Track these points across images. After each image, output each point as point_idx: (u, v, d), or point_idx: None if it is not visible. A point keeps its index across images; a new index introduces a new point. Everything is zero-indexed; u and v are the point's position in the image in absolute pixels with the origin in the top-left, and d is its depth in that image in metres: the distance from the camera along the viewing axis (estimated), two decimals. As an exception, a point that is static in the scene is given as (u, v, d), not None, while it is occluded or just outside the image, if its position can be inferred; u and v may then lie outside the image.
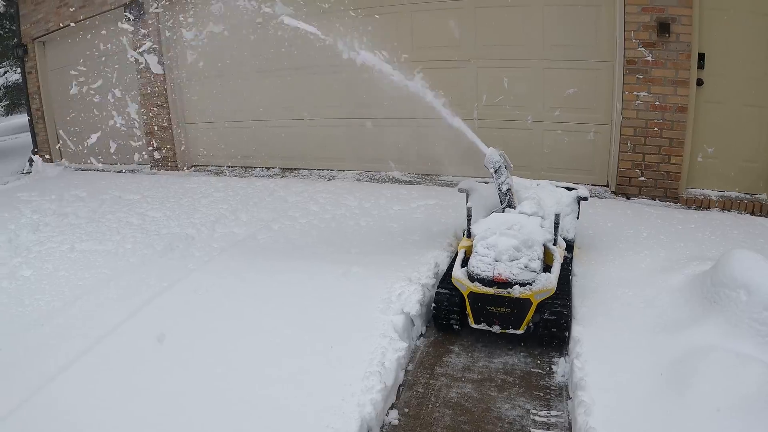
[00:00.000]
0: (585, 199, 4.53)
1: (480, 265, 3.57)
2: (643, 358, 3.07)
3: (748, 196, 5.97)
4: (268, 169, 8.94)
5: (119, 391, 3.07)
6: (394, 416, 2.99)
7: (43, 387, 3.14)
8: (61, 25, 10.88)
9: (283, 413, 2.80)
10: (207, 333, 3.65)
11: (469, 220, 4.07)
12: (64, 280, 4.75)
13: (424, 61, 7.00)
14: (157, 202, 7.32)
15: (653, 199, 6.20)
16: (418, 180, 7.48)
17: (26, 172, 11.79)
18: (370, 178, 7.75)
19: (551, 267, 3.67)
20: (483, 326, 3.59)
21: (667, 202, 6.11)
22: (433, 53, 7.15)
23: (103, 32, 10.39)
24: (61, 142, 12.33)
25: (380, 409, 2.88)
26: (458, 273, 3.68)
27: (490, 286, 3.50)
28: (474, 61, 7.03)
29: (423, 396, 3.17)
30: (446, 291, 3.75)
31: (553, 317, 3.49)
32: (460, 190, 4.76)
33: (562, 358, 3.45)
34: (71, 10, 10.52)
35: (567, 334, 3.48)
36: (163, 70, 9.33)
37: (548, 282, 3.51)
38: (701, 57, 5.81)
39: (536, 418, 2.92)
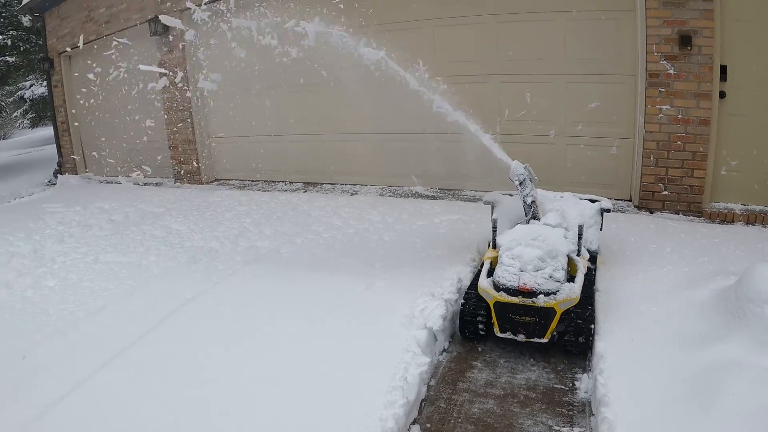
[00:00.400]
0: (608, 210, 4.58)
1: (506, 275, 3.62)
2: (667, 374, 3.04)
3: None
4: (291, 183, 9.02)
5: (141, 398, 3.14)
6: (416, 431, 3.00)
7: (69, 394, 3.21)
8: (87, 39, 11.06)
9: (306, 427, 2.82)
10: (232, 345, 3.69)
11: (494, 231, 4.11)
12: (89, 290, 4.85)
13: (446, 76, 7.04)
14: (180, 215, 7.44)
15: (676, 213, 6.13)
16: (441, 195, 7.48)
17: (51, 184, 12.00)
18: (393, 193, 7.78)
19: (575, 277, 3.71)
20: (508, 335, 3.62)
21: (691, 217, 6.03)
22: (456, 68, 7.16)
23: (128, 47, 10.60)
24: (86, 154, 12.53)
25: (402, 423, 2.88)
26: (484, 283, 3.72)
27: (516, 296, 3.54)
28: (496, 76, 7.05)
29: (445, 411, 3.17)
30: (472, 301, 3.82)
31: (576, 326, 3.54)
32: (485, 203, 4.82)
33: (585, 374, 3.44)
34: (97, 25, 10.72)
35: (590, 342, 3.52)
36: (187, 84, 9.46)
37: (572, 291, 3.55)
38: (723, 69, 5.74)
39: None
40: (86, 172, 12.48)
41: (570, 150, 6.80)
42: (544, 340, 3.57)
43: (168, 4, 9.47)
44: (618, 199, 6.64)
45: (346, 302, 4.21)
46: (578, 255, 3.89)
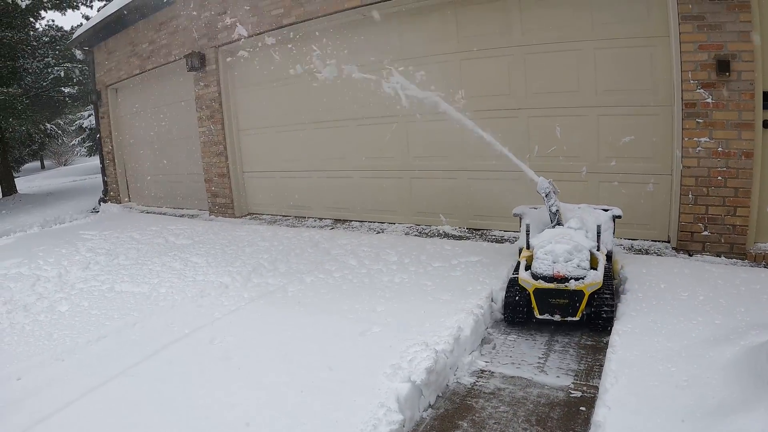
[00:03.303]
0: (619, 217, 5.32)
1: (542, 266, 4.38)
2: None
3: None
4: (321, 219, 8.92)
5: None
6: None
7: (49, 417, 3.33)
8: (131, 73, 11.41)
9: None
10: (206, 382, 3.64)
11: (527, 234, 4.95)
12: (95, 318, 5.02)
13: (473, 111, 6.84)
14: (203, 248, 7.49)
15: (718, 255, 5.61)
16: (467, 235, 7.18)
17: (95, 211, 12.38)
18: (419, 232, 7.53)
19: (596, 268, 4.45)
20: (546, 316, 4.36)
21: (734, 259, 5.51)
22: (483, 102, 6.92)
23: (168, 82, 10.91)
24: (129, 184, 12.88)
25: None
26: (524, 275, 4.46)
27: (551, 282, 4.29)
28: (525, 110, 6.75)
29: None
30: (515, 289, 4.54)
31: (601, 304, 4.29)
32: (515, 215, 5.59)
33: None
34: (140, 59, 11.06)
35: (612, 316, 4.23)
36: (222, 118, 9.57)
37: (596, 277, 4.31)
38: (766, 96, 5.28)
39: None
40: (128, 201, 12.81)
41: (603, 187, 6.40)
42: (576, 318, 4.29)
43: (205, 40, 9.61)
44: (655, 241, 6.23)
45: (336, 348, 3.99)
46: (598, 250, 4.67)
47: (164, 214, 11.19)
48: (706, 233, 5.67)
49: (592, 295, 4.30)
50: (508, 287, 4.64)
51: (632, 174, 6.21)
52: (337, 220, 8.76)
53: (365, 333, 4.20)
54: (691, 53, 5.44)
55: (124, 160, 12.86)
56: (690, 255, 5.74)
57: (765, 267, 5.29)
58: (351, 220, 8.62)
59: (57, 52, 15.03)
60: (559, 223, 5.07)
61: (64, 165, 32.79)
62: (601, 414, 3.00)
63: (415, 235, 7.38)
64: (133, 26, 11.23)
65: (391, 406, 3.15)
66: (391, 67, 7.47)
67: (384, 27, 7.63)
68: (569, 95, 6.42)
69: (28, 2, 13.00)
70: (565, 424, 3.21)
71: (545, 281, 4.32)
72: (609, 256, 5.07)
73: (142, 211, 11.80)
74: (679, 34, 5.48)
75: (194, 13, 9.79)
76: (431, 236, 7.25)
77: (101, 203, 12.93)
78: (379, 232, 7.72)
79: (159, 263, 6.81)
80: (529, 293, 4.41)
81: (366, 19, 7.78)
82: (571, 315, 4.30)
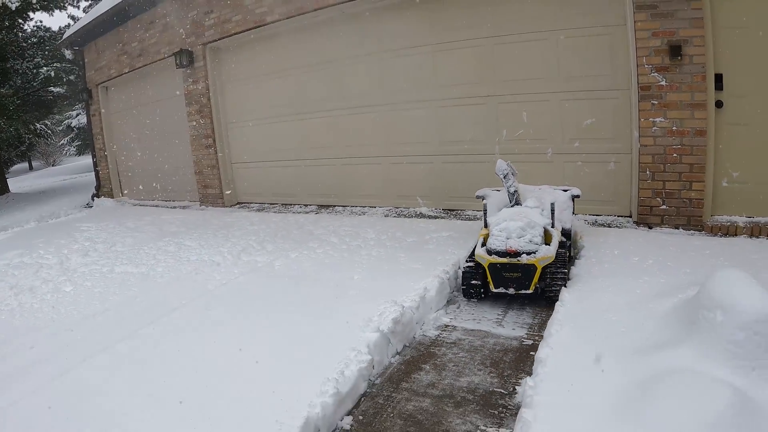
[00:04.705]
0: (578, 196, 5.54)
1: (495, 242, 4.58)
2: (608, 380, 2.98)
3: None
4: (306, 206, 9.34)
5: (124, 384, 3.52)
6: (348, 421, 3.12)
7: (65, 374, 3.70)
8: (121, 71, 11.74)
9: (243, 406, 3.08)
10: (201, 339, 4.09)
11: (485, 213, 5.15)
12: (99, 295, 5.40)
13: (446, 99, 7.29)
14: (196, 233, 7.90)
15: (676, 228, 5.95)
16: (443, 215, 7.60)
17: (89, 206, 12.71)
18: (398, 214, 7.95)
19: (550, 244, 4.63)
20: (501, 290, 4.54)
21: (692, 231, 5.84)
22: (455, 91, 7.38)
23: (158, 78, 11.26)
24: (121, 179, 13.20)
25: (330, 411, 3.03)
26: (480, 251, 4.66)
27: (504, 257, 4.48)
28: (494, 97, 7.16)
29: (381, 407, 3.26)
30: (470, 265, 4.80)
31: (554, 277, 4.50)
32: (477, 197, 5.75)
33: (528, 378, 3.44)
34: (130, 58, 11.39)
35: (564, 288, 4.43)
36: (211, 112, 9.92)
37: (548, 251, 4.48)
38: (719, 78, 5.64)
39: (484, 434, 2.95)
40: (122, 195, 13.14)
41: (568, 167, 6.79)
42: (530, 291, 4.46)
43: (192, 38, 9.97)
44: (619, 216, 6.59)
45: (317, 308, 4.45)
46: (552, 227, 4.85)
47: (157, 206, 11.57)
48: (664, 207, 6.04)
49: (545, 269, 4.47)
50: (465, 263, 4.87)
51: (595, 154, 6.60)
52: (321, 206, 9.18)
53: (342, 296, 4.65)
54: (645, 40, 5.83)
55: (116, 155, 13.20)
56: (650, 228, 6.10)
57: (721, 237, 5.63)
58: (335, 206, 9.05)
59: (45, 53, 15.32)
60: (517, 203, 5.25)
61: (53, 165, 32.81)
62: (543, 353, 3.41)
63: (394, 217, 7.81)
64: (123, 26, 11.58)
65: (362, 350, 3.59)
66: (370, 60, 7.94)
67: (363, 22, 8.09)
68: (535, 82, 6.82)
69: (17, 4, 13.28)
70: (515, 365, 3.65)
71: (499, 256, 4.50)
72: (568, 233, 5.32)
73: (136, 205, 12.16)
74: (635, 22, 5.87)
75: (182, 12, 10.18)
76: (409, 217, 7.68)
77: (95, 198, 13.27)
78: (360, 215, 8.16)
79: (155, 248, 7.20)
80: (484, 268, 4.61)
81: (346, 15, 8.21)
82: (525, 288, 4.46)
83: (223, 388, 3.29)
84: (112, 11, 11.14)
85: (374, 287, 4.76)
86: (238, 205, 10.35)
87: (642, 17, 5.82)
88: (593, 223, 6.44)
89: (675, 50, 5.66)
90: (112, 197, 13.10)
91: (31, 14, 14.32)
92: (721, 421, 2.40)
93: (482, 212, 5.39)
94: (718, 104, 5.72)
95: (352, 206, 8.81)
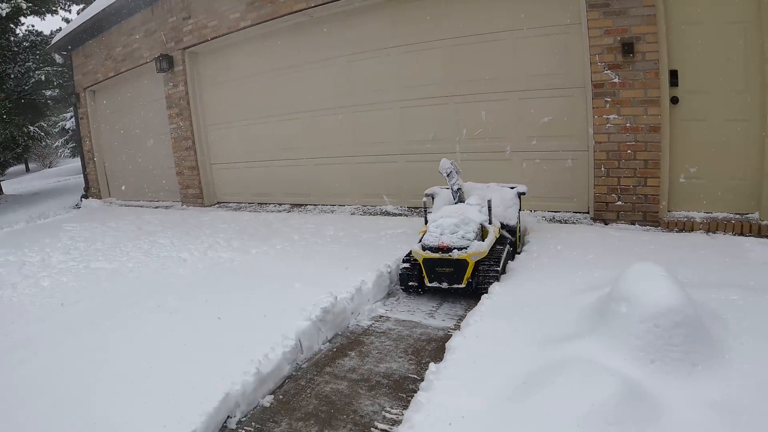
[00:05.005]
0: (524, 193, 5.64)
1: (429, 238, 4.70)
2: (511, 367, 3.06)
3: (737, 216, 5.65)
4: (280, 205, 9.55)
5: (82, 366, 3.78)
6: (269, 399, 3.35)
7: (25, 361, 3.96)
8: (107, 75, 11.95)
9: (174, 384, 3.32)
10: (151, 326, 4.39)
11: (425, 211, 5.32)
12: (72, 289, 5.68)
13: (409, 99, 7.44)
14: (170, 232, 8.15)
15: (632, 223, 5.99)
16: (406, 213, 7.76)
17: (77, 207, 12.94)
18: (365, 212, 8.12)
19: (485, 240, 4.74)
20: (435, 284, 4.64)
21: (647, 227, 5.87)
22: (418, 91, 7.55)
23: (141, 82, 11.47)
24: (109, 180, 13.43)
25: (251, 389, 3.26)
26: (415, 247, 4.80)
27: (437, 252, 4.58)
28: (454, 97, 7.30)
29: (302, 388, 3.45)
30: (406, 266, 4.89)
31: (486, 272, 4.55)
32: (426, 195, 5.89)
33: (432, 364, 3.55)
34: (115, 62, 11.62)
35: (496, 282, 4.49)
36: (190, 115, 10.12)
37: (480, 247, 4.58)
38: (674, 74, 5.70)
39: (387, 414, 3.07)
40: (109, 196, 13.36)
41: (527, 165, 6.89)
42: (462, 286, 4.55)
43: (172, 43, 10.18)
44: (577, 212, 6.65)
45: (260, 298, 4.69)
46: (490, 224, 4.95)
47: (142, 206, 11.81)
48: (619, 203, 6.09)
49: (478, 264, 4.56)
50: (403, 260, 4.97)
51: (553, 151, 6.70)
52: (294, 205, 9.39)
53: (288, 288, 4.85)
54: (598, 38, 5.92)
55: (103, 157, 13.43)
56: (606, 224, 6.15)
57: (678, 232, 5.63)
58: (307, 204, 9.25)
59: (37, 57, 15.55)
60: (461, 200, 5.37)
61: (49, 167, 33.06)
62: (455, 341, 3.53)
63: (360, 215, 7.99)
64: (108, 31, 11.81)
65: (289, 336, 3.79)
66: (338, 63, 8.11)
67: (331, 26, 8.30)
68: (493, 81, 6.95)
69: (8, 10, 13.51)
70: (435, 354, 3.76)
71: (432, 252, 4.60)
72: (513, 230, 5.44)
73: (122, 205, 12.42)
74: (587, 20, 5.96)
75: (162, 18, 10.41)
76: (374, 215, 7.86)
77: (83, 199, 13.50)
78: (329, 213, 8.36)
79: (131, 246, 7.47)
80: (420, 263, 4.72)
81: (314, 19, 8.43)
82: (457, 282, 4.55)
83: (162, 366, 3.58)
84: (96, 17, 11.39)
85: (319, 280, 4.92)
86: (217, 205, 10.54)
87: (594, 15, 5.90)
88: (551, 220, 6.52)
89: (627, 47, 5.74)
90: (100, 198, 13.33)
91: (22, 19, 14.53)
92: (601, 409, 2.49)
93: (430, 198, 5.66)
94: (674, 100, 5.76)
95: (323, 205, 9.00)
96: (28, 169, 32.24)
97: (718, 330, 3.07)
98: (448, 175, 5.38)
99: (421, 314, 4.48)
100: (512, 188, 5.67)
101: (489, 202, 5.04)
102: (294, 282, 4.96)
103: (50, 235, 9.05)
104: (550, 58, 6.50)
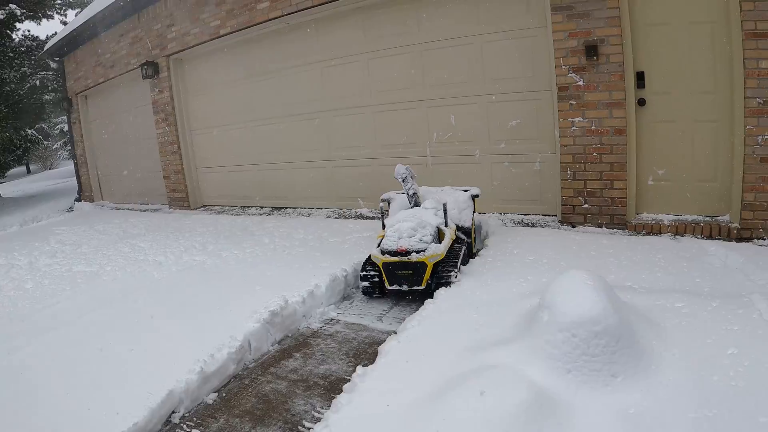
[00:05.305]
0: (477, 196, 5.76)
1: (388, 242, 4.78)
2: (436, 372, 3.09)
3: (708, 218, 5.58)
4: (262, 208, 9.74)
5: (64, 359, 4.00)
6: (212, 397, 3.55)
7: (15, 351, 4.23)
8: (97, 81, 12.15)
9: (123, 382, 3.51)
10: (124, 324, 4.60)
11: (383, 216, 5.52)
12: (51, 291, 5.90)
13: (381, 104, 7.55)
14: (152, 236, 8.31)
15: (599, 226, 5.96)
16: (379, 216, 7.77)
17: (70, 210, 13.14)
18: (339, 215, 8.26)
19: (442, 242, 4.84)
20: (395, 287, 4.74)
21: (614, 230, 5.85)
22: (389, 96, 7.67)
23: (130, 88, 11.65)
24: (101, 183, 13.63)
25: (195, 387, 3.46)
26: (374, 251, 4.88)
27: (396, 256, 4.67)
28: (424, 101, 7.39)
29: (245, 387, 3.63)
30: (365, 273, 5.01)
31: (444, 273, 4.69)
32: (382, 200, 5.98)
33: (359, 367, 3.64)
34: (104, 68, 11.83)
35: (452, 282, 4.64)
36: (175, 120, 10.29)
37: (437, 249, 4.71)
38: (641, 76, 5.67)
39: (316, 414, 3.20)
40: (101, 199, 13.58)
41: (495, 168, 6.95)
42: (422, 287, 4.65)
43: (157, 50, 10.36)
44: (545, 215, 6.67)
45: (220, 299, 4.84)
46: (446, 226, 5.06)
47: (131, 209, 12.01)
48: (586, 206, 6.07)
49: (436, 265, 4.69)
50: (363, 265, 5.08)
51: (521, 155, 6.75)
52: (274, 208, 9.56)
53: (248, 290, 4.99)
54: (562, 41, 5.92)
55: (95, 161, 13.65)
56: (573, 227, 6.13)
57: (645, 235, 5.59)
58: (286, 207, 9.41)
59: (33, 62, 15.76)
60: (416, 205, 5.45)
61: (50, 168, 33.27)
62: (389, 345, 3.61)
63: (335, 218, 8.12)
64: (97, 38, 12.00)
65: (237, 336, 3.98)
66: (313, 69, 8.24)
67: (306, 33, 8.44)
68: (461, 86, 7.04)
69: (2, 16, 13.70)
70: (373, 356, 3.77)
71: (391, 255, 4.69)
72: (468, 231, 5.54)
73: (113, 208, 12.63)
74: (552, 24, 5.98)
75: (148, 25, 10.60)
76: (348, 218, 7.99)
77: (76, 202, 13.70)
78: (306, 216, 8.50)
79: (113, 249, 7.65)
80: (379, 267, 4.81)
81: (290, 27, 8.58)
82: (417, 284, 4.65)
83: (113, 363, 3.80)
84: (86, 24, 11.64)
85: (279, 282, 5.05)
86: (202, 208, 10.72)
87: (558, 18, 5.90)
88: (519, 223, 6.55)
89: (591, 50, 5.72)
90: (92, 201, 13.55)
91: (18, 24, 14.73)
92: (507, 416, 2.53)
93: (386, 203, 5.76)
94: (641, 102, 5.73)
95: (301, 208, 9.16)
96: (29, 171, 32.48)
97: (650, 340, 3.03)
98: (403, 180, 5.47)
99: (370, 317, 4.61)
100: (466, 191, 5.77)
101: (444, 205, 5.15)
102: (255, 284, 5.09)
103: (40, 238, 9.24)
104: (517, 61, 6.54)
